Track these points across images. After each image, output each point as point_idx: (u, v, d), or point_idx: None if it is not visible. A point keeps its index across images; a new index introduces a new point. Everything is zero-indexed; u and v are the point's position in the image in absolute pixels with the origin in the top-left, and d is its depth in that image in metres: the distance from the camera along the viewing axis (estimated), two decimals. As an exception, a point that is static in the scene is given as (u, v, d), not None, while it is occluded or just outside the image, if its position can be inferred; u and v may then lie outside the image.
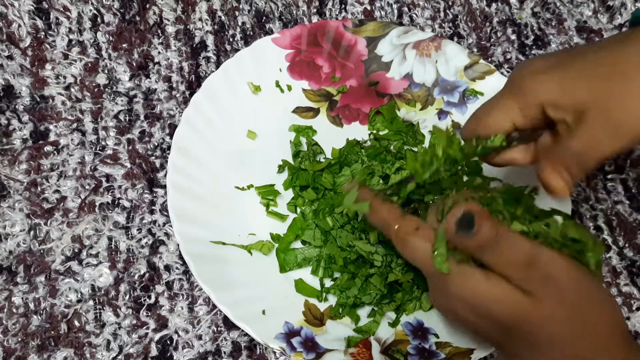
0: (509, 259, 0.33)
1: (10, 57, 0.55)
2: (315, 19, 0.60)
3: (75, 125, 0.53)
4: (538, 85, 0.37)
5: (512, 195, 0.37)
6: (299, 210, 0.50)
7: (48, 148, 0.51)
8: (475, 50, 0.59)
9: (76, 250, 0.48)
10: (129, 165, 0.51)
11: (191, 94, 0.53)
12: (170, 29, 0.58)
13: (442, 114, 0.54)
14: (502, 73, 0.55)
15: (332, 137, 0.53)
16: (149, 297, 0.47)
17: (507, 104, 0.38)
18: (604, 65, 0.36)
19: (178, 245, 0.45)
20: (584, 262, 0.35)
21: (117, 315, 0.46)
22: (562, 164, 0.37)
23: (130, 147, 0.52)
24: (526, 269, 0.33)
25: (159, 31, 0.58)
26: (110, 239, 0.49)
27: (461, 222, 0.33)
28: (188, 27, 0.58)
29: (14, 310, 0.46)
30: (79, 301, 0.46)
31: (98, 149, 0.52)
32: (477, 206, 0.33)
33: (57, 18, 0.57)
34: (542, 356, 0.34)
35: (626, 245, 0.52)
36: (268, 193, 0.50)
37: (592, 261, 0.35)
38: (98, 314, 0.46)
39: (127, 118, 0.53)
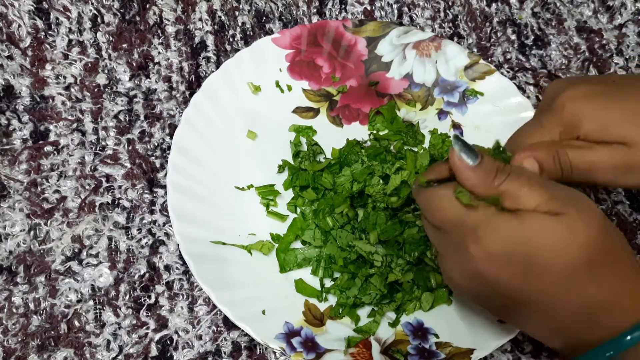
0: (531, 181, 0.33)
1: (10, 57, 0.55)
2: (315, 19, 0.60)
3: (75, 125, 0.53)
4: (580, 116, 0.38)
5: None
6: (299, 210, 0.50)
7: (48, 148, 0.51)
8: (475, 50, 0.59)
9: (76, 250, 0.48)
10: (129, 165, 0.51)
11: (191, 94, 0.53)
12: (170, 29, 0.58)
13: (442, 114, 0.54)
14: (502, 73, 0.55)
15: (332, 137, 0.53)
16: (149, 297, 0.47)
17: (547, 127, 0.39)
18: None
19: (178, 245, 0.45)
20: None
21: (117, 315, 0.46)
22: (555, 152, 0.37)
23: (130, 147, 0.52)
24: (548, 190, 0.32)
25: (159, 31, 0.58)
26: (110, 239, 0.49)
27: (462, 142, 0.34)
28: (188, 27, 0.58)
29: (14, 310, 0.46)
30: (79, 301, 0.46)
31: (98, 149, 0.52)
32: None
33: (57, 18, 0.57)
34: (557, 301, 0.33)
35: (626, 245, 0.52)
36: (268, 193, 0.50)
37: None
38: (98, 314, 0.46)
39: (127, 118, 0.53)
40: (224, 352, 0.46)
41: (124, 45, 0.56)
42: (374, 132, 0.53)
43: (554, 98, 0.39)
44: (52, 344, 0.45)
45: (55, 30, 0.56)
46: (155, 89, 0.55)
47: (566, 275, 0.32)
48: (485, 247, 0.33)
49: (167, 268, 0.48)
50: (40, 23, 0.56)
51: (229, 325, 0.46)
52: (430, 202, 0.35)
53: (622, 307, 0.33)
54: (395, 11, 0.61)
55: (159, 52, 0.57)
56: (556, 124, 0.38)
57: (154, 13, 0.58)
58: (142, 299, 0.47)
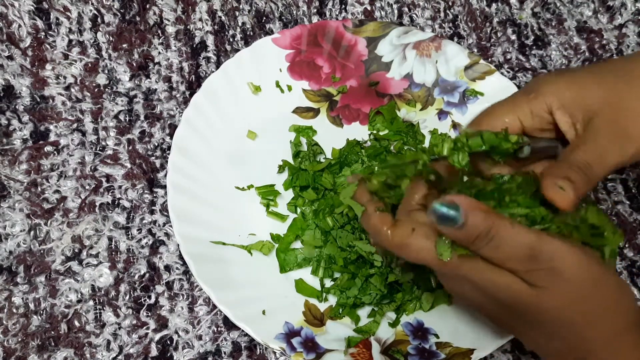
0: (509, 253, 0.32)
1: (10, 57, 0.55)
2: (315, 19, 0.60)
3: (75, 125, 0.53)
4: (549, 87, 0.37)
5: (517, 182, 0.35)
6: (299, 210, 0.50)
7: (48, 148, 0.51)
8: (475, 50, 0.59)
9: (76, 250, 0.48)
10: (129, 165, 0.51)
11: (191, 94, 0.53)
12: (170, 29, 0.58)
13: (442, 114, 0.54)
14: (502, 73, 0.55)
15: (332, 137, 0.53)
16: (149, 297, 0.47)
17: (517, 103, 0.38)
18: (613, 73, 0.36)
19: (178, 245, 0.45)
20: (598, 247, 0.33)
21: (117, 316, 0.46)
22: (564, 176, 0.35)
23: (130, 147, 0.52)
24: (529, 262, 0.32)
25: (159, 31, 0.58)
26: (110, 239, 0.49)
27: (442, 214, 0.31)
28: (188, 27, 0.58)
29: (14, 311, 0.46)
30: (79, 301, 0.46)
31: (98, 149, 0.52)
32: (464, 197, 0.32)
33: (57, 18, 0.57)
34: (551, 340, 0.34)
35: (626, 245, 0.52)
36: (268, 193, 0.50)
37: (607, 250, 0.33)
38: (98, 314, 0.46)
39: (127, 118, 0.53)
40: (224, 352, 0.46)
41: (124, 45, 0.56)
42: (374, 132, 0.53)
43: (528, 82, 0.40)
44: (52, 344, 0.45)
45: (56, 30, 0.56)
46: (156, 89, 0.55)
47: (539, 330, 0.34)
48: (465, 276, 0.34)
49: (167, 268, 0.48)
50: (40, 23, 0.56)
51: (229, 325, 0.46)
52: (414, 251, 0.34)
53: None
54: (395, 11, 0.61)
55: (159, 52, 0.57)
56: (526, 100, 0.38)
57: (154, 13, 0.58)
58: (142, 299, 0.47)
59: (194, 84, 0.55)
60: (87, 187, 0.50)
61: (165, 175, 0.48)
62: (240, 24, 0.59)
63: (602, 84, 0.36)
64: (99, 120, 0.53)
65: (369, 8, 0.61)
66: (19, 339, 0.45)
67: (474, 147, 0.36)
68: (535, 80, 0.39)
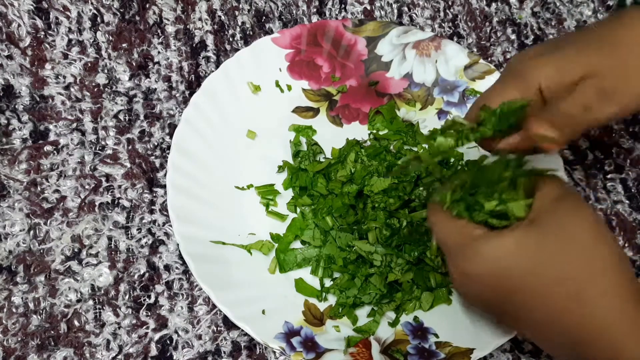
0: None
1: (10, 57, 0.54)
2: (315, 18, 0.60)
3: (75, 125, 0.53)
4: (536, 69, 0.38)
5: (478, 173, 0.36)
6: (298, 210, 0.50)
7: (48, 148, 0.51)
8: (475, 50, 0.59)
9: (76, 250, 0.48)
10: (128, 165, 0.51)
11: (191, 94, 0.53)
12: (170, 29, 0.58)
13: (442, 113, 0.54)
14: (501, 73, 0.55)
15: (331, 136, 0.53)
16: (149, 296, 0.47)
17: (506, 89, 0.39)
18: (597, 43, 0.38)
19: (178, 245, 0.45)
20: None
21: (117, 315, 0.46)
22: (552, 122, 0.36)
23: (130, 147, 0.52)
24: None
25: (159, 31, 0.58)
26: (110, 238, 0.49)
27: None
28: (188, 26, 0.58)
29: (14, 310, 0.46)
30: (78, 301, 0.46)
31: (98, 148, 0.52)
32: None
33: (56, 18, 0.57)
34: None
35: (626, 245, 0.52)
36: (268, 193, 0.50)
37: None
38: (98, 314, 0.46)
39: (127, 118, 0.53)
40: (224, 352, 0.46)
41: (124, 45, 0.56)
42: (374, 131, 0.53)
43: (512, 63, 0.40)
44: (52, 343, 0.45)
45: (55, 29, 0.56)
46: (155, 89, 0.55)
47: (539, 296, 0.33)
48: (464, 268, 0.35)
49: (167, 268, 0.48)
50: (40, 23, 0.56)
51: (229, 325, 0.46)
52: (435, 222, 0.37)
53: (617, 338, 0.32)
54: (395, 11, 0.61)
55: (159, 52, 0.56)
56: (514, 84, 0.39)
57: (154, 13, 0.58)
58: (141, 299, 0.47)
59: (193, 84, 0.55)
60: (87, 186, 0.50)
61: (165, 175, 0.48)
62: (240, 23, 0.59)
63: (586, 56, 0.38)
64: (99, 119, 0.53)
65: (368, 8, 0.61)
66: (19, 339, 0.45)
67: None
68: (518, 61, 0.40)
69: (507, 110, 0.37)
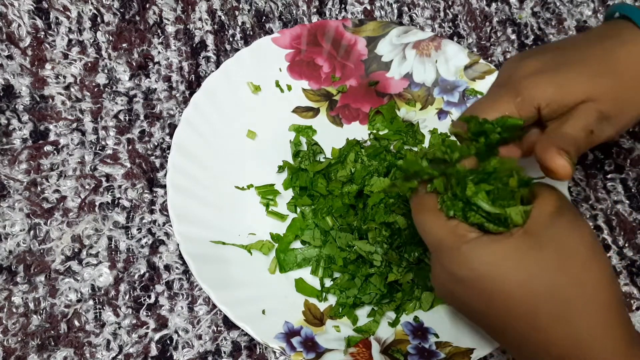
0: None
1: (10, 57, 0.54)
2: (315, 18, 0.60)
3: (75, 125, 0.53)
4: (536, 88, 0.38)
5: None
6: (298, 210, 0.50)
7: (48, 148, 0.51)
8: (475, 50, 0.59)
9: (76, 250, 0.48)
10: (128, 165, 0.51)
11: (191, 94, 0.53)
12: (170, 29, 0.58)
13: (442, 113, 0.54)
14: (502, 73, 0.55)
15: (332, 137, 0.53)
16: (149, 296, 0.47)
17: (503, 102, 0.39)
18: (597, 65, 0.39)
19: (178, 245, 0.45)
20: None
21: (117, 315, 0.46)
22: (562, 149, 0.36)
23: (130, 147, 0.52)
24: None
25: (159, 31, 0.58)
26: (110, 238, 0.49)
27: None
28: (188, 26, 0.58)
29: (14, 310, 0.46)
30: (78, 301, 0.46)
31: (98, 148, 0.52)
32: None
33: (57, 18, 0.57)
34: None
35: (626, 245, 0.52)
36: (268, 193, 0.50)
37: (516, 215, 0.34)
38: (98, 314, 0.46)
39: (127, 118, 0.53)
40: (224, 352, 0.46)
41: (124, 45, 0.56)
42: (374, 131, 0.53)
43: (510, 76, 0.40)
44: (52, 343, 0.45)
45: (55, 29, 0.56)
46: (155, 89, 0.55)
47: (525, 309, 0.32)
48: (452, 270, 0.34)
49: (167, 268, 0.48)
50: (40, 23, 0.56)
51: (229, 325, 0.46)
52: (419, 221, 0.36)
53: (600, 358, 0.32)
54: (395, 11, 0.61)
55: (159, 52, 0.56)
56: (512, 98, 0.39)
57: (154, 13, 0.58)
58: (142, 299, 0.47)
59: (193, 84, 0.55)
60: (87, 186, 0.50)
61: (165, 175, 0.48)
62: (240, 23, 0.59)
63: (586, 78, 0.38)
64: (99, 119, 0.53)
65: (368, 7, 0.61)
66: (19, 339, 0.45)
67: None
68: (515, 75, 0.40)
69: (502, 127, 0.37)
